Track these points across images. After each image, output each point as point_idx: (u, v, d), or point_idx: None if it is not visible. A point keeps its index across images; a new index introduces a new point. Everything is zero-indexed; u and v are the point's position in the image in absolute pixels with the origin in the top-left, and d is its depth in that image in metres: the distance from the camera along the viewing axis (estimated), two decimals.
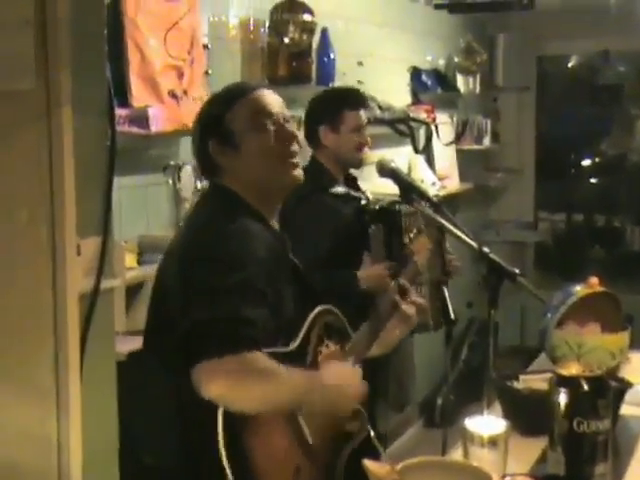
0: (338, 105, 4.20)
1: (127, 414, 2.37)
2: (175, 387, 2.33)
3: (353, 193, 4.17)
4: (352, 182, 4.28)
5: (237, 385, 2.23)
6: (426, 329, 3.92)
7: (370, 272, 3.85)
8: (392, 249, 3.87)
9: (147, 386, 2.49)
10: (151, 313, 2.54)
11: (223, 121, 2.55)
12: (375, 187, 4.35)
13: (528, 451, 2.43)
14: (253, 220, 2.51)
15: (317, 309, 2.59)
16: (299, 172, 2.60)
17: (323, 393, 2.42)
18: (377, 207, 4.05)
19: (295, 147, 2.59)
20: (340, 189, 4.14)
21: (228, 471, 2.23)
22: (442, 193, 6.24)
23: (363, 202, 4.13)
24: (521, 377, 2.81)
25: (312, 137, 4.23)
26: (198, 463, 2.35)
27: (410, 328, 2.92)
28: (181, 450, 2.41)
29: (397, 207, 3.85)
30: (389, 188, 3.89)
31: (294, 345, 2.46)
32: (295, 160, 2.58)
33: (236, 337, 2.22)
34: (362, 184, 4.34)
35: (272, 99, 2.61)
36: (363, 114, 4.25)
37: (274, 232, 2.62)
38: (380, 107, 5.56)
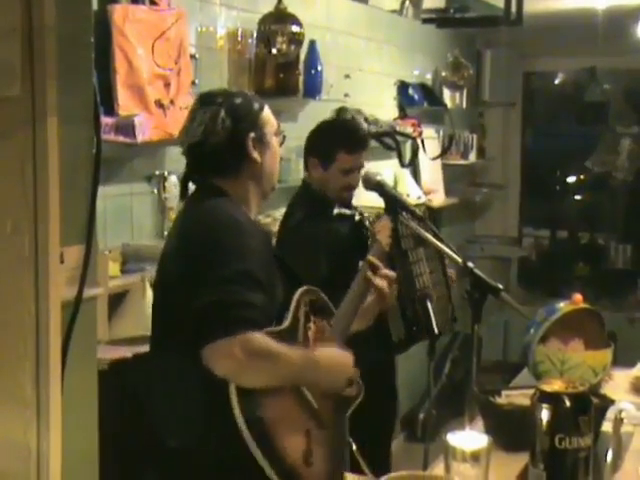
0: (333, 144, 4.05)
1: (148, 404, 2.68)
2: (189, 369, 2.50)
3: (345, 212, 4.11)
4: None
5: (243, 362, 2.42)
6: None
7: None
8: (393, 259, 3.81)
9: (162, 376, 2.67)
10: (156, 310, 2.78)
11: (259, 119, 2.81)
12: (360, 200, 4.32)
13: (510, 467, 2.43)
14: (245, 217, 2.73)
15: (300, 290, 2.79)
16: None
17: (320, 372, 2.65)
18: (371, 219, 3.99)
19: None
20: (334, 210, 4.08)
21: (247, 434, 2.41)
22: (432, 204, 6.24)
23: (357, 218, 4.06)
24: (503, 392, 2.81)
25: (304, 163, 4.17)
26: (219, 436, 2.52)
27: (386, 300, 3.13)
28: (201, 427, 2.55)
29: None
30: (374, 201, 3.89)
31: (286, 324, 2.66)
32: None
33: (240, 319, 2.43)
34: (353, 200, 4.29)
35: None
36: (359, 157, 4.07)
37: (261, 227, 2.95)
38: (367, 120, 5.56)
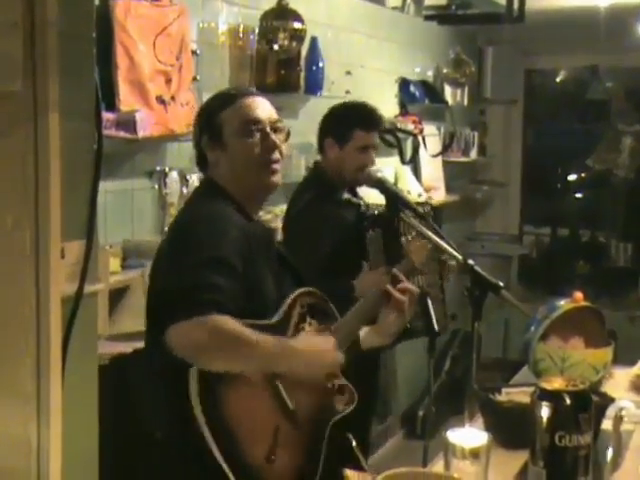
0: (350, 122, 4.12)
1: (136, 396, 2.74)
2: (161, 359, 2.49)
3: (353, 199, 4.14)
4: (352, 188, 4.25)
5: (203, 343, 2.40)
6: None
7: (367, 280, 3.73)
8: (390, 254, 3.82)
9: (148, 370, 2.71)
10: (147, 304, 2.75)
11: (216, 119, 2.76)
12: (364, 196, 4.34)
13: (509, 464, 2.43)
14: (233, 209, 2.71)
15: (299, 290, 2.75)
16: (277, 178, 2.80)
17: (294, 357, 2.58)
18: (375, 212, 4.01)
19: (276, 155, 2.78)
20: (342, 196, 4.11)
21: (204, 425, 2.39)
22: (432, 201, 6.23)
23: (362, 208, 4.10)
24: (503, 390, 2.81)
25: (319, 145, 4.21)
26: (181, 426, 2.50)
27: (406, 315, 2.99)
28: (168, 417, 2.59)
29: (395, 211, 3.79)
30: (375, 198, 3.89)
31: (274, 320, 2.62)
32: (275, 167, 2.78)
33: (204, 301, 2.40)
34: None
35: (264, 107, 2.81)
36: (374, 136, 4.15)
37: (255, 223, 2.81)
38: None
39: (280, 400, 2.57)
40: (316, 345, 2.67)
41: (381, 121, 4.33)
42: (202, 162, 2.84)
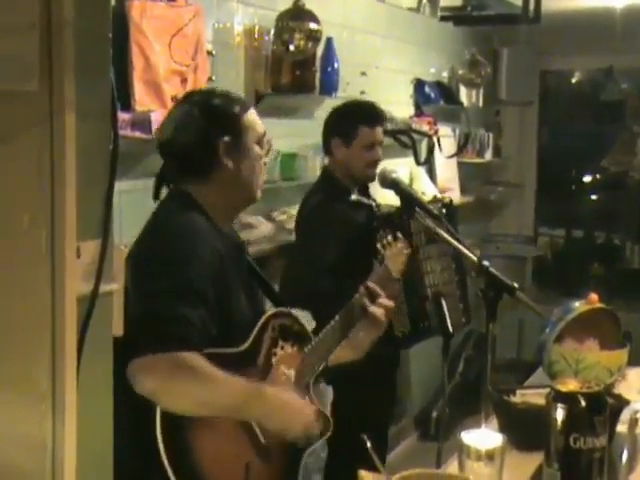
0: (354, 120, 4.19)
1: None
2: (121, 385, 2.33)
3: (364, 200, 4.16)
4: (364, 189, 4.27)
5: (167, 383, 2.29)
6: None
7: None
8: None
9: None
10: None
11: (239, 123, 2.62)
12: (376, 198, 4.34)
13: (524, 466, 2.43)
14: (205, 226, 2.56)
15: (270, 311, 2.65)
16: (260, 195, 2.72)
17: (266, 408, 2.44)
18: (386, 212, 4.03)
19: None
20: (352, 197, 4.14)
21: (167, 464, 2.28)
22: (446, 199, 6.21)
23: (374, 209, 4.12)
24: (518, 391, 2.81)
25: (325, 147, 4.24)
26: (142, 457, 2.39)
27: (380, 331, 2.92)
28: (129, 445, 2.42)
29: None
30: (390, 199, 3.89)
31: (243, 347, 2.50)
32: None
33: (168, 335, 2.29)
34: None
35: None
36: (379, 131, 4.21)
37: (227, 238, 2.67)
38: None
39: (251, 434, 2.47)
40: (293, 401, 2.54)
41: (384, 116, 4.37)
42: (199, 168, 2.64)
